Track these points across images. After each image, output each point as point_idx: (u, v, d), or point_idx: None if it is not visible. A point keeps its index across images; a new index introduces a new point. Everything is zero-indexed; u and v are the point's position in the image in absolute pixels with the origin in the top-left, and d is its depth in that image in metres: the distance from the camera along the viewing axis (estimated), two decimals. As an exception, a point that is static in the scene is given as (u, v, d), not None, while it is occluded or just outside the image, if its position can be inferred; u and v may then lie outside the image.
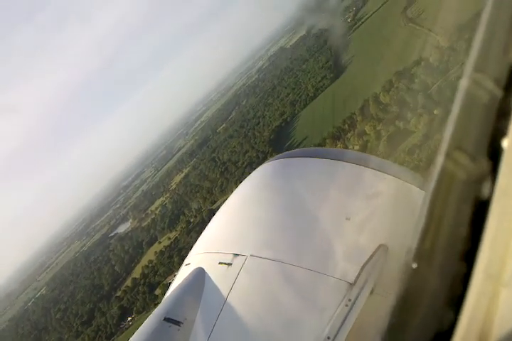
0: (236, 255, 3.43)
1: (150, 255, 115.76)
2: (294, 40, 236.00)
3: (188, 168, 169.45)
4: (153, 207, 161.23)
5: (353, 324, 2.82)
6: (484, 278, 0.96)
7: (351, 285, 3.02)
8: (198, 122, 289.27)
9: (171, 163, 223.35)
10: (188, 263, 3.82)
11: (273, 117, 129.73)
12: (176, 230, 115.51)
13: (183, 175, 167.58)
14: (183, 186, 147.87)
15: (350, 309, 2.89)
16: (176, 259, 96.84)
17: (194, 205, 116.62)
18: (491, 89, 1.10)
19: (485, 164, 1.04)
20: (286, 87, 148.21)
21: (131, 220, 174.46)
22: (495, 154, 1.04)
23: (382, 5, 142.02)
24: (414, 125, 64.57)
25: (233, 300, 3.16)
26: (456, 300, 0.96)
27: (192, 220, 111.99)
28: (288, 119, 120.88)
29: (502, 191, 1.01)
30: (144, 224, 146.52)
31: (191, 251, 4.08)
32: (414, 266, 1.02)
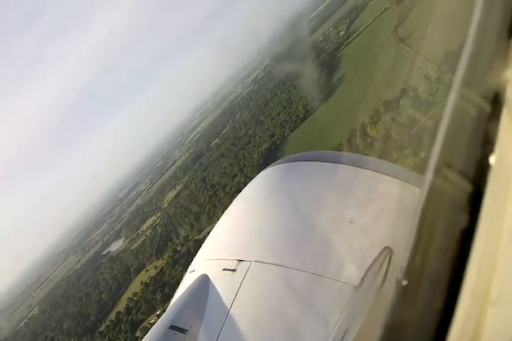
0: (240, 261, 3.40)
1: (136, 285, 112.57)
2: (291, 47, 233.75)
3: (180, 185, 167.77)
4: (144, 227, 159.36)
5: (359, 328, 2.80)
6: (472, 297, 0.96)
7: (356, 288, 3.01)
8: (194, 132, 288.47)
9: (165, 177, 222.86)
10: (193, 270, 3.78)
11: (263, 138, 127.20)
12: (163, 258, 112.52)
13: (175, 192, 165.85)
14: (173, 206, 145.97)
15: (356, 313, 2.88)
16: (158, 297, 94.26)
17: (182, 232, 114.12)
18: (478, 104, 1.09)
19: (473, 181, 1.03)
20: (277, 104, 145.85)
21: (123, 239, 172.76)
22: (483, 170, 1.04)
23: (375, 19, 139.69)
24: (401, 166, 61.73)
25: (238, 306, 3.16)
26: (444, 319, 0.95)
27: (179, 249, 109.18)
28: (277, 142, 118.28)
29: (490, 208, 1.01)
30: (135, 246, 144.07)
31: (195, 257, 4.02)
32: (405, 283, 1.02)
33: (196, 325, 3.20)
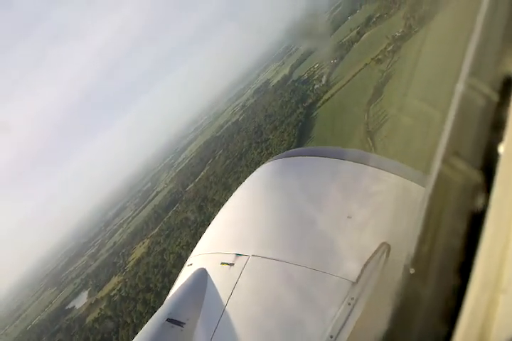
0: (238, 255, 3.42)
1: None
2: (279, 76, 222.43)
3: (147, 242, 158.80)
4: (106, 289, 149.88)
5: (356, 323, 2.81)
6: (482, 285, 0.95)
7: (354, 283, 3.01)
8: (183, 155, 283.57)
9: (146, 210, 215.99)
10: (190, 264, 3.80)
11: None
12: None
13: (141, 250, 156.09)
14: (131, 277, 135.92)
15: (353, 308, 2.88)
16: None
17: (121, 330, 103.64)
18: (486, 93, 1.08)
19: (482, 170, 1.02)
20: (247, 165, 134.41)
21: (87, 295, 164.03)
22: (492, 159, 1.03)
23: (353, 77, 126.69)
24: None
25: (235, 300, 3.18)
26: (454, 307, 0.94)
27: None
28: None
29: (499, 196, 1.00)
30: (89, 318, 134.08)
31: (193, 251, 4.03)
32: (412, 271, 1.01)
33: (193, 318, 3.20)
